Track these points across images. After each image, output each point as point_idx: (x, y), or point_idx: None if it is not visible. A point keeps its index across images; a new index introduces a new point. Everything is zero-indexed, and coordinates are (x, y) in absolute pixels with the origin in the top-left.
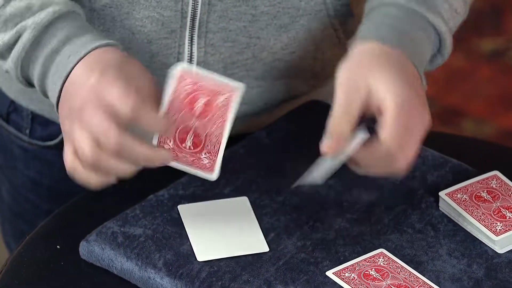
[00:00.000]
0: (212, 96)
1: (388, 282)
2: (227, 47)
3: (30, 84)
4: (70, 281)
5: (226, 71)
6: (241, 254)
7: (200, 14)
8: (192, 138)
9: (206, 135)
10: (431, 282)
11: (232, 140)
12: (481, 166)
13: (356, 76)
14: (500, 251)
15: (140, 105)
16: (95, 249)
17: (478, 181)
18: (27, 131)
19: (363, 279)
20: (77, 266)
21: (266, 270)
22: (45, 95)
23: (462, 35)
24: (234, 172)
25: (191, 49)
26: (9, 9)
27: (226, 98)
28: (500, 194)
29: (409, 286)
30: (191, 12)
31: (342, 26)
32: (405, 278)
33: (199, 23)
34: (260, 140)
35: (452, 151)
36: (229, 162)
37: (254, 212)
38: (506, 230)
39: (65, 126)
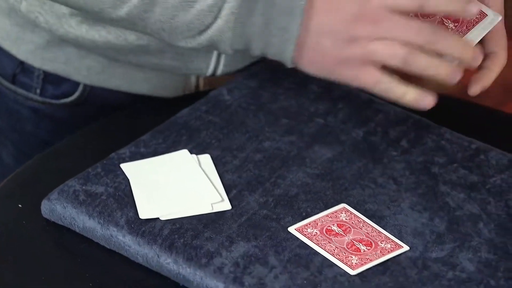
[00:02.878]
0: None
1: (351, 237)
2: None
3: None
4: (32, 239)
5: None
6: (203, 212)
7: None
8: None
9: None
10: (394, 236)
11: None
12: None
13: None
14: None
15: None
16: (57, 208)
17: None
18: (38, 91)
19: (326, 234)
20: (39, 225)
21: (229, 227)
22: (264, 48)
23: None
24: (196, 129)
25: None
26: None
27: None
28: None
29: (371, 240)
30: None
31: None
32: (367, 233)
33: None
34: (221, 97)
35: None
36: (190, 119)
37: (216, 168)
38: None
39: (340, 51)
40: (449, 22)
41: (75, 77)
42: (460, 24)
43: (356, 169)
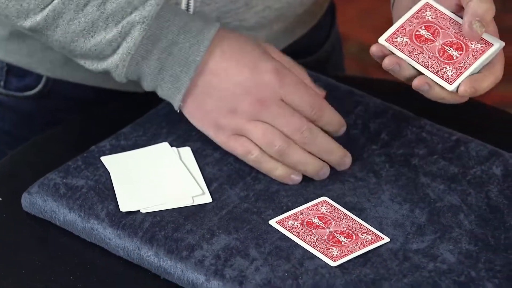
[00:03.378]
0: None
1: (331, 229)
2: None
3: (130, 80)
4: (12, 233)
5: (219, 21)
6: (184, 205)
7: None
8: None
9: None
10: (374, 228)
11: None
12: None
13: None
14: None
15: (322, 103)
16: (37, 201)
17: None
18: (1, 83)
19: (306, 227)
20: (19, 218)
21: (209, 219)
22: (154, 88)
23: None
24: (176, 122)
25: (188, 0)
26: (110, 5)
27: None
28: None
29: (352, 233)
30: None
31: None
32: (348, 225)
33: None
34: None
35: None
36: (170, 112)
37: (197, 161)
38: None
39: (219, 116)
40: (452, 49)
41: (38, 69)
42: (465, 53)
43: None
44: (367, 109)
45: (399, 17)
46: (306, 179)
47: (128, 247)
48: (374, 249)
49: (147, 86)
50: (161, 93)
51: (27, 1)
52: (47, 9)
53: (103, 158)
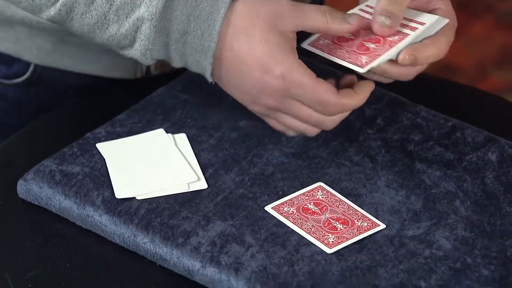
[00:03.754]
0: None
1: (327, 215)
2: None
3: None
4: (8, 220)
5: None
6: (179, 192)
7: None
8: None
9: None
10: (370, 214)
11: None
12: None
13: None
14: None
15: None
16: (33, 188)
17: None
18: None
19: (302, 213)
20: (15, 205)
21: (205, 206)
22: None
23: None
24: (172, 108)
25: None
26: None
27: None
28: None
29: (348, 219)
30: None
31: None
32: (344, 211)
33: None
34: (196, 77)
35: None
36: (165, 99)
37: (192, 148)
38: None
39: (247, 96)
40: (370, 43)
41: (26, 56)
42: (382, 44)
43: (332, 148)
44: None
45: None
46: (301, 163)
47: (124, 234)
48: (370, 235)
49: (178, 66)
50: (194, 71)
51: None
52: (58, 4)
53: (98, 145)
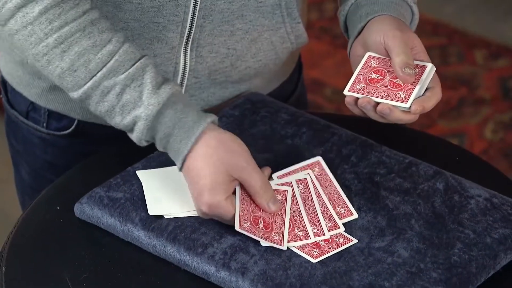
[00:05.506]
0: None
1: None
2: (212, 57)
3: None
4: (67, 234)
5: (210, 76)
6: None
7: (194, 33)
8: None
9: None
10: (345, 232)
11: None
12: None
13: (404, 34)
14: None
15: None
16: (86, 209)
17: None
18: (44, 124)
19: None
20: (73, 223)
21: (219, 224)
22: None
23: None
24: None
25: (185, 60)
26: (125, 96)
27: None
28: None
29: (329, 238)
30: (187, 33)
31: (296, 40)
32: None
33: (192, 40)
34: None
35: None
36: None
37: None
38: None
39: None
40: (398, 80)
41: (71, 114)
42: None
43: None
44: (340, 138)
45: (354, 63)
46: None
47: (156, 245)
48: (346, 248)
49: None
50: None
51: (66, 81)
52: (80, 91)
53: (138, 172)
